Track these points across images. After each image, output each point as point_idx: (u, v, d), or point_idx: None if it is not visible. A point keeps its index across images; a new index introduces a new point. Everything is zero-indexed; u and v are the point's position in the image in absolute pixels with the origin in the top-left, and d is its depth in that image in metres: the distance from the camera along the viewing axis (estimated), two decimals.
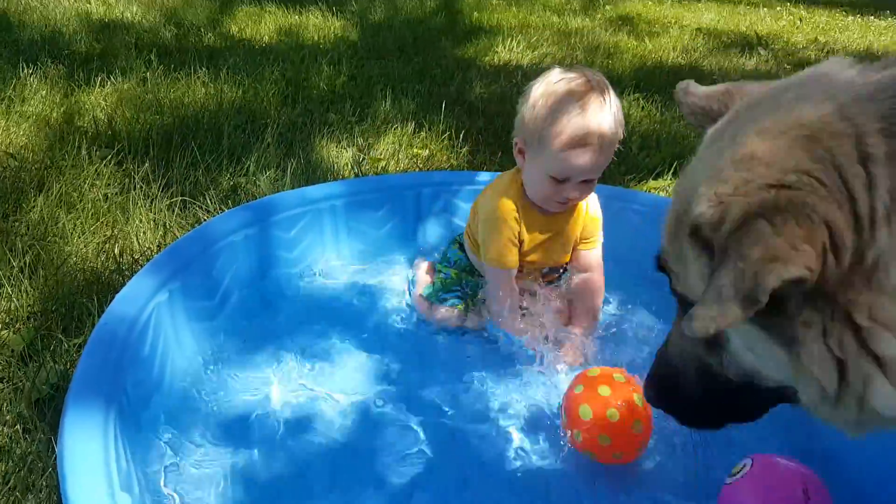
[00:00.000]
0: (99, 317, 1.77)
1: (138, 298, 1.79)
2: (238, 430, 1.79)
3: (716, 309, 0.82)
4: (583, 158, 1.86)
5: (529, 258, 2.11)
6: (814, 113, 0.87)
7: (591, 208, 2.14)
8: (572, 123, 1.84)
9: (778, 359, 0.94)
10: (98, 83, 3.70)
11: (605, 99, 1.87)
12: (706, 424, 1.25)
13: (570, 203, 2.00)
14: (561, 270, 2.22)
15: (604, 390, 1.67)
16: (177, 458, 1.68)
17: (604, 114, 1.86)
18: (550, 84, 1.91)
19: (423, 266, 2.35)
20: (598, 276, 2.19)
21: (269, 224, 2.23)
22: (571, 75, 1.91)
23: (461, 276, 2.25)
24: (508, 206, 2.02)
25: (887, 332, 0.84)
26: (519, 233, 2.04)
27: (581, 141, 1.85)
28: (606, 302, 2.29)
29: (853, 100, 0.86)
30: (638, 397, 1.65)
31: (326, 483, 1.67)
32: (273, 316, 2.17)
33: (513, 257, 2.05)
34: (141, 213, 2.51)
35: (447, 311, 2.18)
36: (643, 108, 4.17)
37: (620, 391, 1.67)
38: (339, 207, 2.39)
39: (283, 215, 2.27)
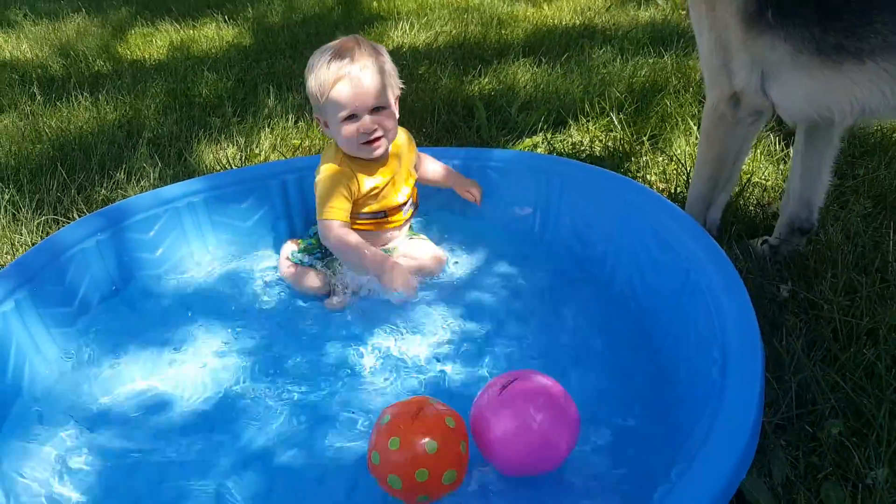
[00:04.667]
0: None
1: None
2: (105, 422, 1.84)
3: None
4: (347, 86, 2.05)
5: (380, 201, 2.24)
6: None
7: (401, 140, 2.32)
8: (328, 67, 2.05)
9: None
10: None
11: (357, 42, 2.09)
12: None
13: (376, 140, 2.13)
14: (404, 208, 2.32)
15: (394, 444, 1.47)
16: (46, 457, 1.74)
17: (355, 48, 2.07)
18: (314, 57, 2.11)
19: (292, 243, 2.41)
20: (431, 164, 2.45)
21: (122, 228, 2.25)
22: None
23: (322, 244, 2.32)
24: (334, 167, 2.18)
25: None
26: (355, 185, 2.17)
27: (337, 74, 2.04)
28: (463, 252, 2.41)
29: None
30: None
31: (191, 460, 1.73)
32: (138, 314, 2.20)
33: (343, 208, 2.16)
34: (9, 237, 2.54)
35: (311, 277, 2.26)
36: (529, 71, 4.24)
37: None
38: (199, 204, 2.42)
39: (137, 218, 2.29)
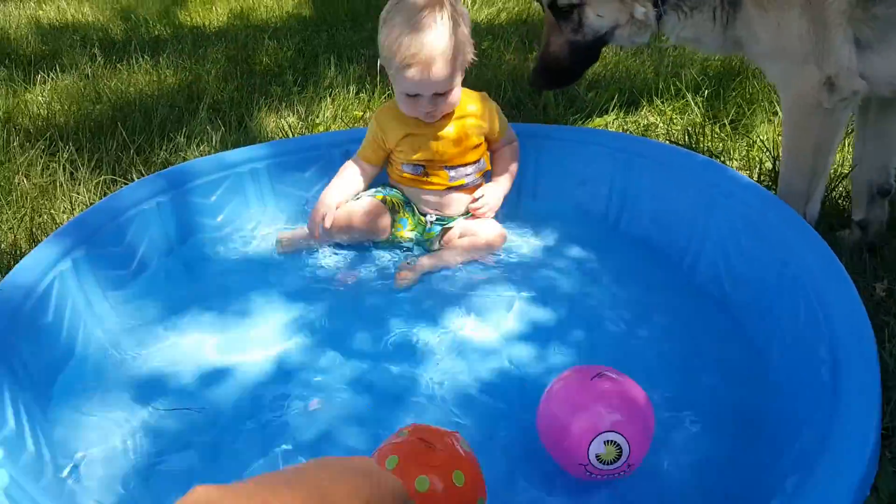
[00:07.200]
0: None
1: (36, 268, 1.77)
2: (158, 388, 1.77)
3: None
4: (415, 76, 1.95)
5: (417, 152, 2.17)
6: None
7: (471, 106, 2.20)
8: (403, 44, 1.93)
9: (616, 10, 2.08)
10: (39, 81, 3.69)
11: (440, 15, 1.93)
12: (571, 80, 2.41)
13: (435, 115, 2.09)
14: (467, 174, 2.21)
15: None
16: (94, 424, 1.66)
17: (435, 31, 1.93)
18: (394, 4, 2.00)
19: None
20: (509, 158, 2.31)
21: (184, 191, 2.19)
22: None
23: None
24: (377, 114, 2.22)
25: None
26: (384, 130, 2.18)
27: (410, 60, 1.93)
28: (531, 234, 2.30)
29: None
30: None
31: (245, 432, 1.65)
32: (196, 280, 2.13)
33: (367, 151, 2.23)
34: (67, 195, 2.50)
35: (385, 218, 2.18)
36: None
37: None
38: (261, 170, 2.34)
39: (199, 181, 2.22)
